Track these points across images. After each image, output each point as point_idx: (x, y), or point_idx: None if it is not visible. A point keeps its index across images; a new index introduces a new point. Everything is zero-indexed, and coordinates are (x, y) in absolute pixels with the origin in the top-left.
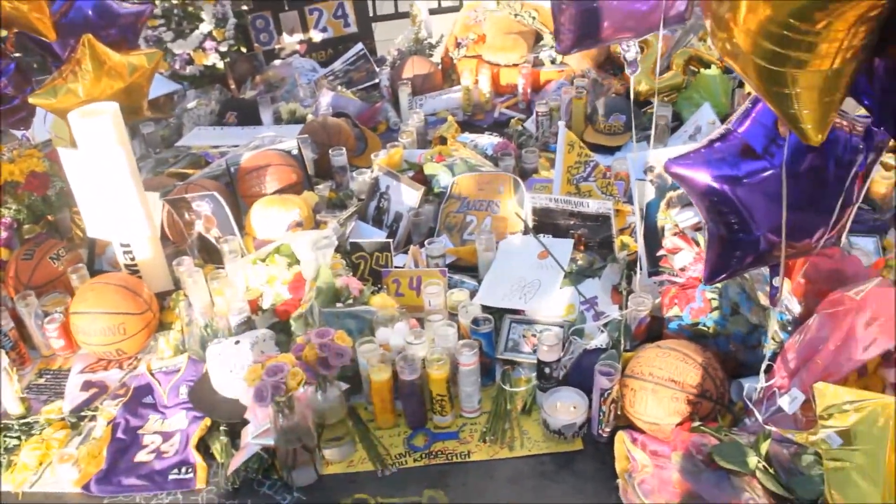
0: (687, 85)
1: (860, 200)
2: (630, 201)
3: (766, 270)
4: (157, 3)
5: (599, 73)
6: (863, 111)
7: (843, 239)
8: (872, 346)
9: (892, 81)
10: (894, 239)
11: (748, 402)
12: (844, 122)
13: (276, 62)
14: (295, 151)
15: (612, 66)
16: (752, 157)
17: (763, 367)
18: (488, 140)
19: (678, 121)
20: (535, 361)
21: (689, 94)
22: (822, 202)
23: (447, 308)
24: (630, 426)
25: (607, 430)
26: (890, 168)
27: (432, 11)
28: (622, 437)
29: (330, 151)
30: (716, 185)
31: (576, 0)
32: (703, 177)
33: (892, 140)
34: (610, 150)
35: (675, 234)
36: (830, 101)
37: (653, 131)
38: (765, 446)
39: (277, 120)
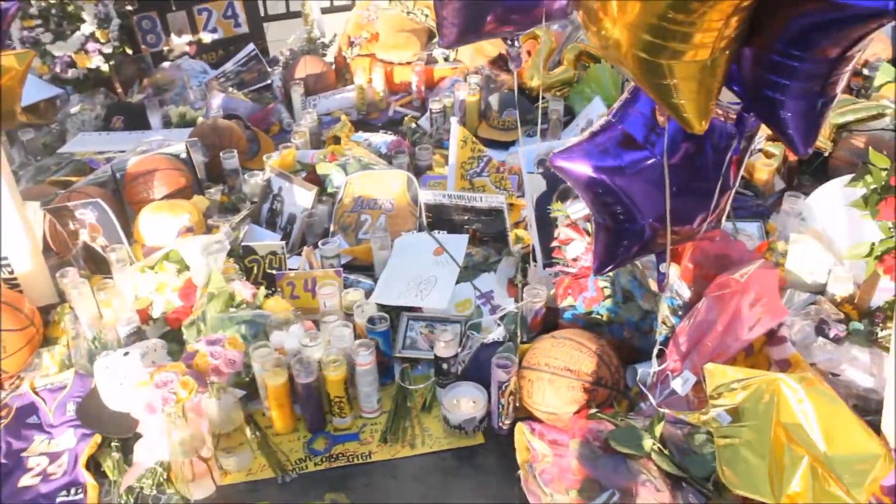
0: (578, 79)
1: (737, 185)
2: (524, 195)
3: (654, 257)
4: (32, 2)
5: (493, 69)
6: (734, 98)
7: (724, 223)
8: (757, 326)
9: (757, 69)
10: (777, 223)
11: (642, 387)
12: (719, 110)
13: (165, 64)
14: (184, 155)
15: (505, 62)
16: (634, 147)
17: (655, 351)
18: (382, 138)
19: (570, 115)
20: (434, 358)
21: (580, 89)
22: (701, 188)
23: (343, 309)
24: (529, 417)
25: (507, 422)
26: (771, 156)
27: (324, 11)
28: (522, 429)
29: (221, 154)
30: (599, 176)
31: None
32: (587, 169)
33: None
34: (505, 145)
35: (566, 226)
36: (710, 90)
37: (539, 127)
38: (659, 428)
39: (167, 124)
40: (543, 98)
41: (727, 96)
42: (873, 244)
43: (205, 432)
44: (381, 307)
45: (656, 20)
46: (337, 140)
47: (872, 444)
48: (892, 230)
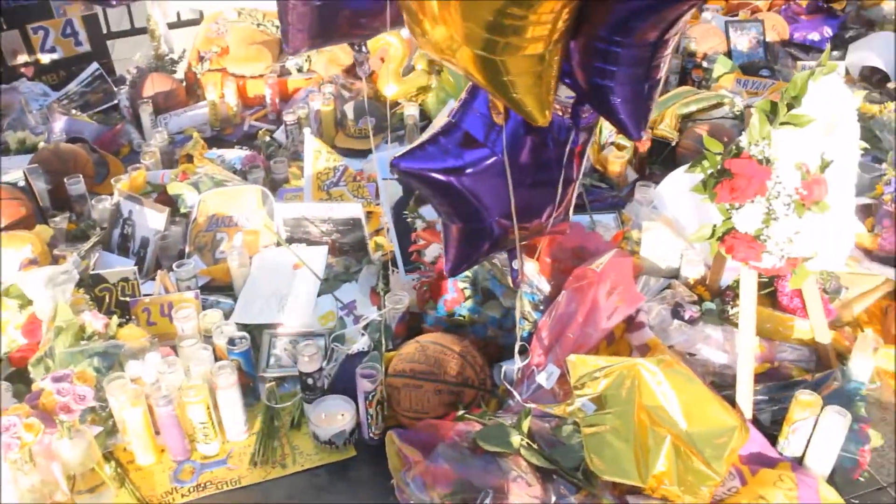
0: (434, 84)
1: (580, 177)
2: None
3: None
4: None
5: (347, 78)
6: (570, 93)
7: (580, 215)
8: (615, 314)
9: (585, 58)
10: (630, 212)
11: (507, 385)
12: (557, 105)
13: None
14: (22, 183)
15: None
16: (475, 146)
17: (517, 347)
18: (236, 154)
19: (427, 119)
20: (298, 374)
21: (436, 93)
22: (545, 183)
23: (202, 331)
24: (399, 425)
25: (377, 432)
26: (622, 148)
27: (171, 25)
28: (392, 437)
29: (66, 180)
30: (443, 177)
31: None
32: (431, 171)
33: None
34: (363, 154)
35: (424, 230)
36: (548, 82)
37: (388, 134)
38: (526, 424)
39: (5, 151)
40: (398, 104)
41: (563, 91)
42: (715, 226)
43: (58, 476)
44: (243, 326)
45: (493, 16)
46: (190, 158)
47: (728, 418)
48: (729, 211)
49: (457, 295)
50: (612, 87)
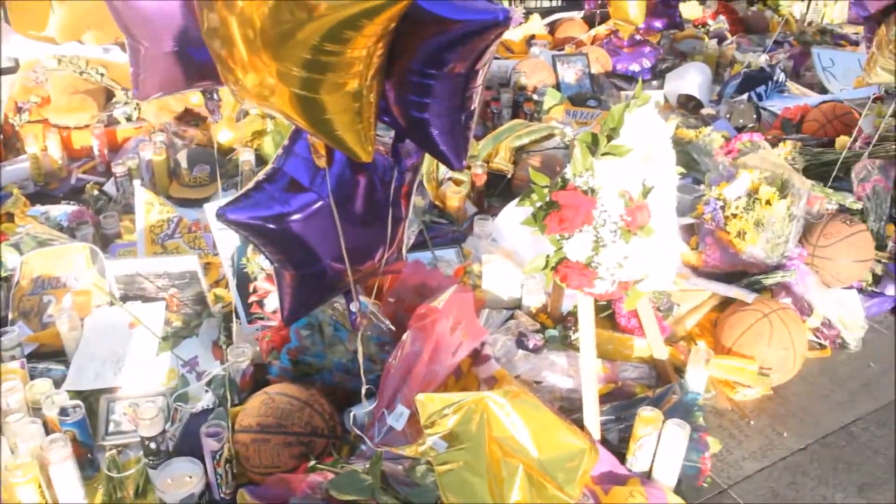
0: (270, 128)
1: (409, 215)
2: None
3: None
4: None
5: (179, 125)
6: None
7: (405, 253)
8: (460, 349)
9: (401, 93)
10: (471, 246)
11: (357, 430)
12: (380, 146)
13: None
14: None
15: (192, 116)
16: (300, 190)
17: (363, 391)
18: (63, 210)
19: (264, 164)
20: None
21: (272, 137)
22: (375, 223)
23: (29, 404)
24: (251, 481)
25: (228, 491)
26: (459, 183)
27: None
28: (243, 495)
29: None
30: (271, 225)
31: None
32: (257, 219)
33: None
34: (199, 203)
35: (264, 279)
36: (367, 118)
37: (219, 181)
38: (379, 468)
39: None
40: (233, 149)
41: (388, 132)
42: (548, 257)
43: None
44: (77, 394)
45: (310, 54)
46: (10, 217)
47: (578, 441)
48: (560, 242)
49: (300, 343)
50: (429, 120)
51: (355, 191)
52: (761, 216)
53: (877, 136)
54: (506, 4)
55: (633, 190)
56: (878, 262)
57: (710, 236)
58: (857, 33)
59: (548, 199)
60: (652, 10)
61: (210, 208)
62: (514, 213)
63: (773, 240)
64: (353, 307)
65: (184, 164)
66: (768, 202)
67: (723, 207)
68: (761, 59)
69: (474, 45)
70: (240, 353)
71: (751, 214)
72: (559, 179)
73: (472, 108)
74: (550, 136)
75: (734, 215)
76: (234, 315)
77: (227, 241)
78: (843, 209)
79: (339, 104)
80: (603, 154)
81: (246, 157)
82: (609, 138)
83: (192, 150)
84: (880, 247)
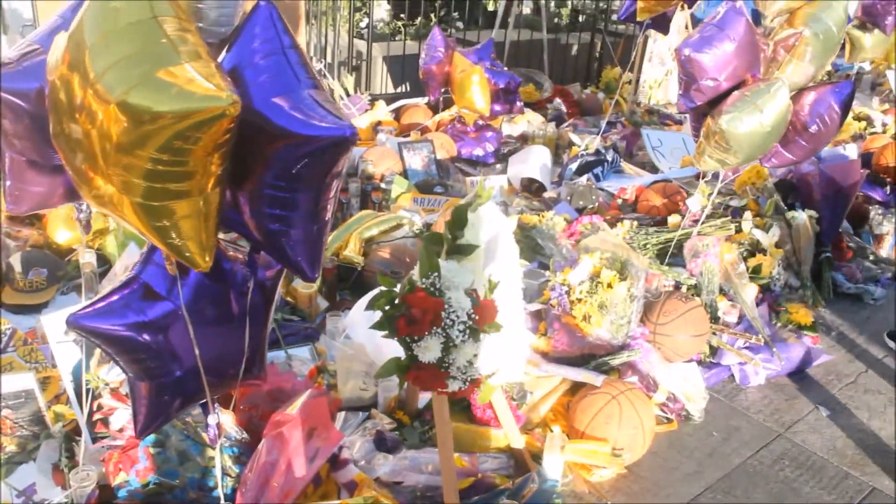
0: (113, 226)
1: (270, 323)
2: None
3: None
4: None
5: (12, 225)
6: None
7: (265, 363)
8: (318, 456)
9: (255, 206)
10: (324, 344)
11: None
12: (239, 255)
13: None
14: None
15: (26, 215)
16: (156, 298)
17: None
18: None
19: (107, 265)
20: None
21: (115, 236)
22: (233, 332)
23: None
24: None
25: None
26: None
27: None
28: None
29: None
30: (126, 333)
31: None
32: (111, 327)
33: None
34: (36, 310)
35: (110, 394)
36: (208, 226)
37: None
38: None
39: None
40: (73, 250)
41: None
42: (399, 359)
43: None
44: None
45: (150, 165)
46: None
47: None
48: (410, 344)
49: (149, 463)
50: (283, 231)
51: (212, 301)
52: (604, 299)
53: (703, 216)
54: (351, 91)
55: (479, 287)
56: (714, 333)
57: (557, 321)
58: (681, 113)
59: (397, 301)
60: (494, 96)
61: (48, 317)
62: (365, 310)
63: (616, 321)
64: (212, 419)
65: (17, 268)
66: (610, 285)
67: (568, 292)
68: (596, 142)
69: (324, 160)
70: (84, 476)
71: (594, 298)
72: (406, 283)
73: (326, 218)
74: (399, 225)
75: (579, 299)
76: (76, 434)
77: (67, 353)
78: (678, 285)
79: (178, 212)
80: (448, 254)
81: (87, 258)
82: (454, 238)
83: (26, 252)
84: (714, 319)
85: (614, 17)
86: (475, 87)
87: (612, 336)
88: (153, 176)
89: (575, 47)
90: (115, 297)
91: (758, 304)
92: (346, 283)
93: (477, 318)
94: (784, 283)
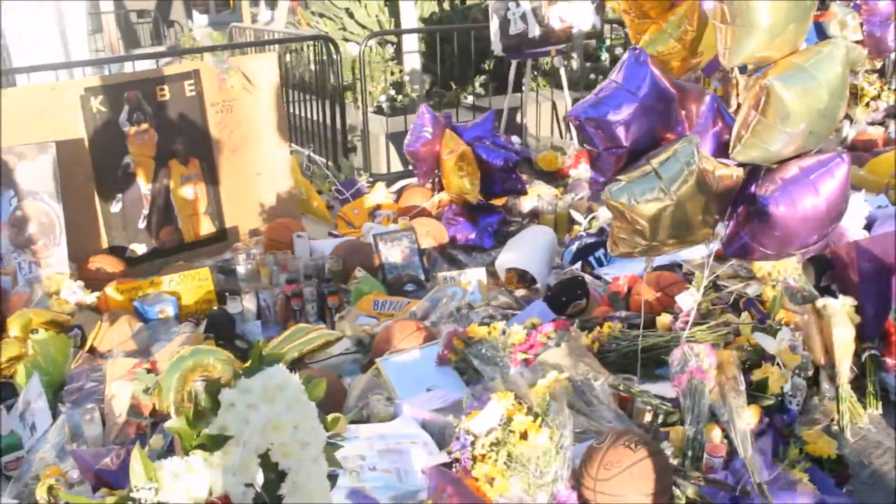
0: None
1: None
2: None
3: None
4: None
5: None
6: None
7: None
8: None
9: None
10: None
11: None
12: None
13: None
14: None
15: None
16: None
17: None
18: None
19: (15, 392)
20: None
21: (25, 365)
22: None
23: None
24: None
25: None
26: None
27: None
28: None
29: None
30: None
31: None
32: None
33: None
34: None
35: None
36: None
37: None
38: None
39: None
40: None
41: None
42: None
43: None
44: None
45: None
46: None
47: None
48: None
49: None
50: None
51: None
52: (517, 452)
53: (692, 317)
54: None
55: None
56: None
57: (451, 485)
58: (596, 190)
59: None
60: (491, 175)
61: None
62: None
63: (535, 481)
64: None
65: None
66: (524, 435)
67: (472, 444)
68: (600, 218)
69: None
70: None
71: (502, 452)
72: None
73: None
74: (329, 342)
75: (482, 455)
76: None
77: None
78: (656, 413)
79: None
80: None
81: None
82: (199, 426)
83: None
84: (695, 459)
85: None
86: (464, 171)
87: (530, 499)
88: None
89: None
90: None
91: (762, 434)
92: None
93: None
94: (802, 400)
